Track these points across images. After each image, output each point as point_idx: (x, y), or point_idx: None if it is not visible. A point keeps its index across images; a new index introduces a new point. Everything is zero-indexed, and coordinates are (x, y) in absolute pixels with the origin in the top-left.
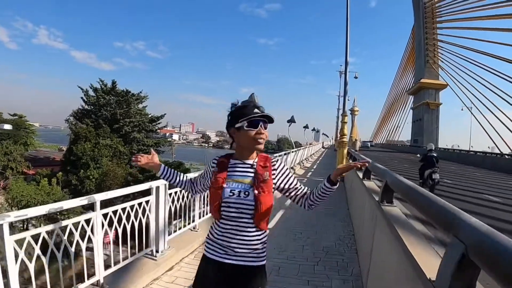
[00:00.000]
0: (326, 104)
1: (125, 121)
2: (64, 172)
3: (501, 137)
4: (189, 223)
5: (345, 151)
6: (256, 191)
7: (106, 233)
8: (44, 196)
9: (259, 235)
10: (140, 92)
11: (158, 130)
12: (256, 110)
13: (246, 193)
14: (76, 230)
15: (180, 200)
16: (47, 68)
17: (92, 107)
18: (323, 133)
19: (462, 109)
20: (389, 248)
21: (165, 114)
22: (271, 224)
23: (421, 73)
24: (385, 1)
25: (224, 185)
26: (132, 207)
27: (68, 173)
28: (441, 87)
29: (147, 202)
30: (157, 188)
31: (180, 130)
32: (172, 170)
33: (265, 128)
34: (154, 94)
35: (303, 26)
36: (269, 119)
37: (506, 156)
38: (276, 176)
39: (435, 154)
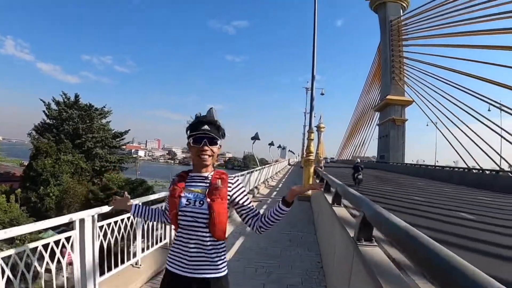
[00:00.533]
0: (292, 121)
1: (87, 136)
2: (24, 189)
3: (467, 150)
4: (128, 259)
5: (312, 169)
6: (208, 199)
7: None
8: (1, 214)
9: (216, 245)
10: (104, 107)
11: (124, 146)
12: (205, 127)
13: (201, 202)
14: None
15: (116, 233)
16: (12, 80)
17: (54, 121)
18: (289, 150)
19: (427, 125)
20: None
21: (129, 130)
22: (227, 257)
23: (387, 90)
24: (351, 21)
25: (181, 195)
26: (46, 246)
27: (28, 189)
28: (406, 103)
29: (68, 238)
30: (81, 221)
31: (146, 147)
32: (144, 207)
33: (214, 144)
34: (120, 110)
35: (270, 43)
36: (215, 136)
37: (474, 171)
38: (232, 189)
39: (361, 165)
